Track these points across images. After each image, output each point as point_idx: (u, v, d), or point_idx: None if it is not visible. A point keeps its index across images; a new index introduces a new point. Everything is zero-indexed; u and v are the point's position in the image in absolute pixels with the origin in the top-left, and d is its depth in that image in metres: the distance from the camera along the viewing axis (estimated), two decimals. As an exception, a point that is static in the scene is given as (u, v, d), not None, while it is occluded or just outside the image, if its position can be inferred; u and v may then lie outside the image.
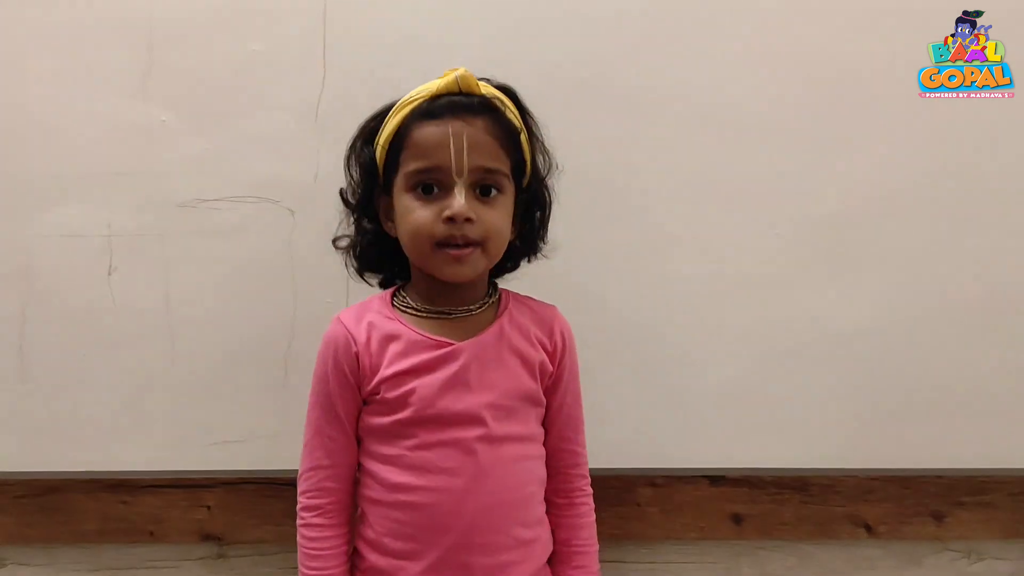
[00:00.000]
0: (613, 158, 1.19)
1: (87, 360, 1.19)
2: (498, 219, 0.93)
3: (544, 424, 1.00)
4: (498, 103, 0.95)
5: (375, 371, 0.94)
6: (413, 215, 0.92)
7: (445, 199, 0.90)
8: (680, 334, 1.19)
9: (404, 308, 0.98)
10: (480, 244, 0.92)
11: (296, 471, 0.98)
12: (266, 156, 1.19)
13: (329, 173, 1.16)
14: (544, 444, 1.00)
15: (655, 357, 1.18)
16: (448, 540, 0.91)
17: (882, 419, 1.20)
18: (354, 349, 0.95)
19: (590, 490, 1.03)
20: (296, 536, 0.96)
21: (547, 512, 1.00)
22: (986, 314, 1.20)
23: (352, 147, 1.01)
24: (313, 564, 0.95)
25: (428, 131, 0.92)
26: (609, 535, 1.10)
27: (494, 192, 0.93)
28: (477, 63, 0.97)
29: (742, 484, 1.19)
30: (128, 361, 1.19)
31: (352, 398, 0.96)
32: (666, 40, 1.19)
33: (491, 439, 0.93)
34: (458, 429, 0.92)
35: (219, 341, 1.19)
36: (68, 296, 1.18)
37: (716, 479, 1.19)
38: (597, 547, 1.02)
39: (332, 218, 1.15)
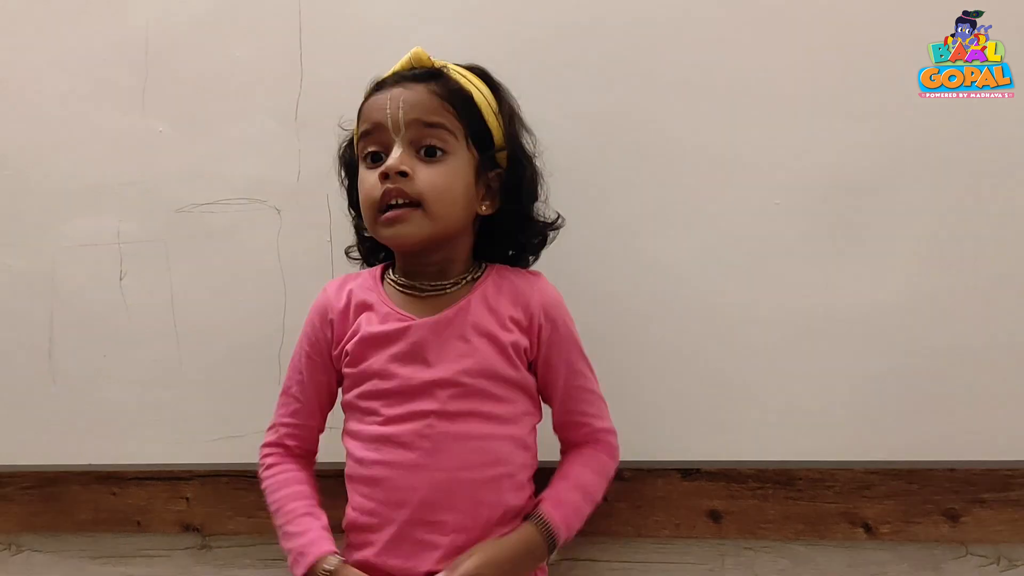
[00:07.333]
0: (594, 131, 1.15)
1: (107, 361, 1.27)
2: (440, 177, 0.92)
3: (549, 400, 1.00)
4: (447, 71, 0.97)
5: (343, 337, 0.97)
6: (364, 184, 0.95)
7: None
8: (648, 314, 1.13)
9: (390, 281, 1.00)
10: (419, 204, 0.91)
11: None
12: (252, 159, 1.25)
13: (311, 171, 1.21)
14: (555, 418, 1.00)
15: (619, 340, 1.12)
16: (402, 515, 0.91)
17: (882, 405, 1.08)
18: (330, 316, 0.99)
19: (617, 456, 1.01)
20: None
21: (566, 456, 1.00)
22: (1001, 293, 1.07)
23: (339, 153, 1.06)
24: (272, 496, 0.99)
25: (373, 99, 0.97)
26: (578, 531, 1.05)
27: (439, 153, 0.93)
28: (454, 60, 0.99)
29: (719, 478, 1.10)
30: (140, 362, 1.26)
31: (322, 364, 1.00)
32: (658, 23, 1.15)
33: (447, 415, 0.92)
34: (414, 403, 0.92)
35: (220, 340, 1.24)
36: (87, 302, 1.28)
37: (689, 472, 1.11)
38: (597, 494, 0.99)
39: (315, 214, 1.21)
